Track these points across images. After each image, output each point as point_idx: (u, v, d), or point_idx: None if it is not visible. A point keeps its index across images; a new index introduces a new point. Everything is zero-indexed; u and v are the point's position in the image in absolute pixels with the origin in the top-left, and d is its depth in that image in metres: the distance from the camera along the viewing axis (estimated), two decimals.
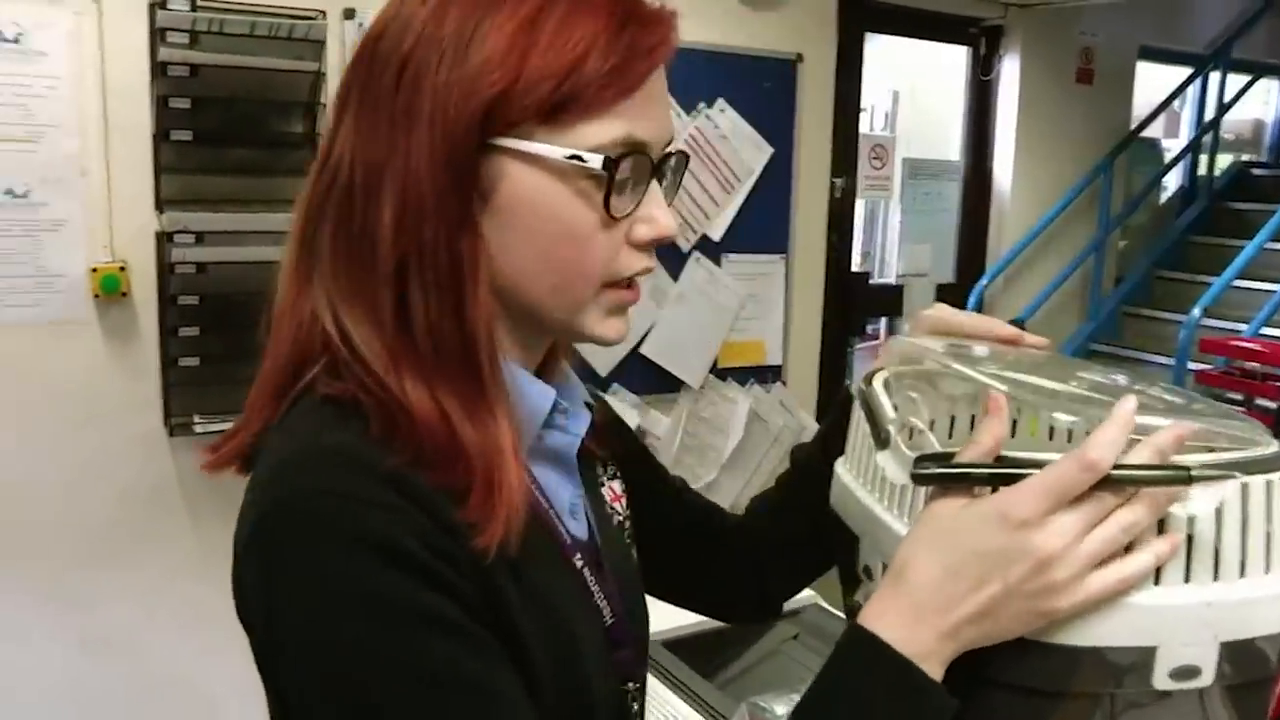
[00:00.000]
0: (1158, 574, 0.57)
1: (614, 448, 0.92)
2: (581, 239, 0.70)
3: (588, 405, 0.84)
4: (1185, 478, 0.57)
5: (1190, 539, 0.58)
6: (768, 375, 3.38)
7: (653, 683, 1.30)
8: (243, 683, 0.85)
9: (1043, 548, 0.60)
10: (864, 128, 4.56)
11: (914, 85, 5.71)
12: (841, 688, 0.67)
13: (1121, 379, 0.74)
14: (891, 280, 5.19)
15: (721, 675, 1.49)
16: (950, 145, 5.33)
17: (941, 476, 0.64)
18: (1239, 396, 3.71)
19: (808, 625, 1.57)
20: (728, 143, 3.14)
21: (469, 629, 0.65)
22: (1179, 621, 0.58)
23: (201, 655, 2.49)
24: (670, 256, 3.11)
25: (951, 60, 5.21)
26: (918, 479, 0.65)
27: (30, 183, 2.34)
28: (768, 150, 3.22)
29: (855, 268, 4.76)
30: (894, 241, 5.27)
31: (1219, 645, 0.57)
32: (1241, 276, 4.41)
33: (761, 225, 3.27)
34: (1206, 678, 0.58)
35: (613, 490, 0.93)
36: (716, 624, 1.49)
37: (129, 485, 2.54)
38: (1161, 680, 0.57)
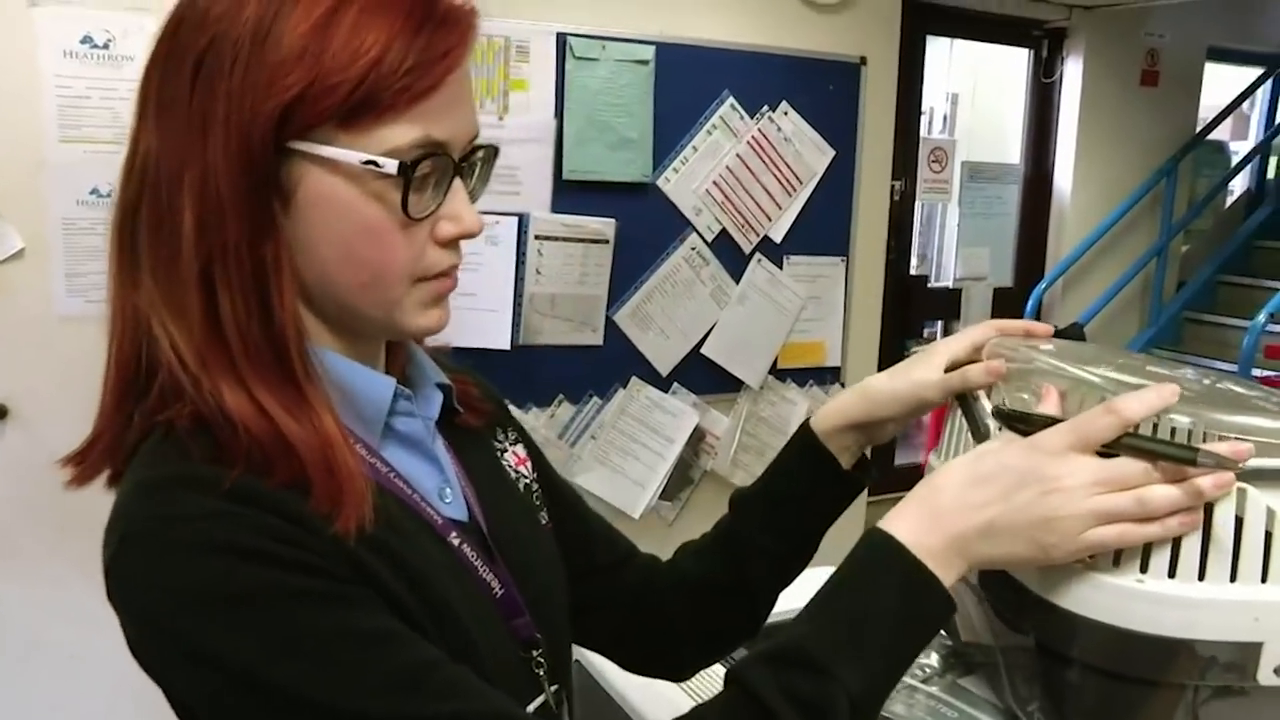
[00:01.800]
0: (1266, 571, 0.57)
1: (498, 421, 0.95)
2: (382, 240, 0.71)
3: (442, 387, 0.85)
4: (1190, 458, 0.60)
5: None
6: (827, 376, 3.39)
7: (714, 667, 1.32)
8: None
9: (1051, 474, 0.66)
10: (922, 131, 4.55)
11: (974, 88, 5.67)
12: (852, 578, 0.73)
13: (1213, 381, 0.76)
14: (949, 284, 5.17)
15: None
16: (1010, 148, 5.29)
17: (1010, 414, 0.72)
18: None
19: None
20: (790, 145, 3.16)
21: (342, 591, 0.66)
22: None
23: None
24: (732, 258, 3.13)
25: (1012, 62, 5.17)
26: (995, 413, 0.72)
27: (114, 182, 2.40)
28: (830, 153, 3.23)
29: (913, 271, 4.76)
30: (951, 245, 5.25)
31: None
32: None
33: (822, 227, 3.27)
34: None
35: (516, 455, 0.95)
36: (789, 614, 1.52)
37: None
38: (1268, 676, 0.57)
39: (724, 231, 3.10)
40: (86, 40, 2.31)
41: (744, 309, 3.16)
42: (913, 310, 4.57)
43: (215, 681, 0.65)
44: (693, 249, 3.06)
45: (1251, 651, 0.57)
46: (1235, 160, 5.80)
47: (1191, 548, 0.59)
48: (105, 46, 2.34)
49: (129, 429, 0.73)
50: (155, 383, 0.71)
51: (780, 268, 3.21)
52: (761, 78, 3.10)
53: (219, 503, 0.65)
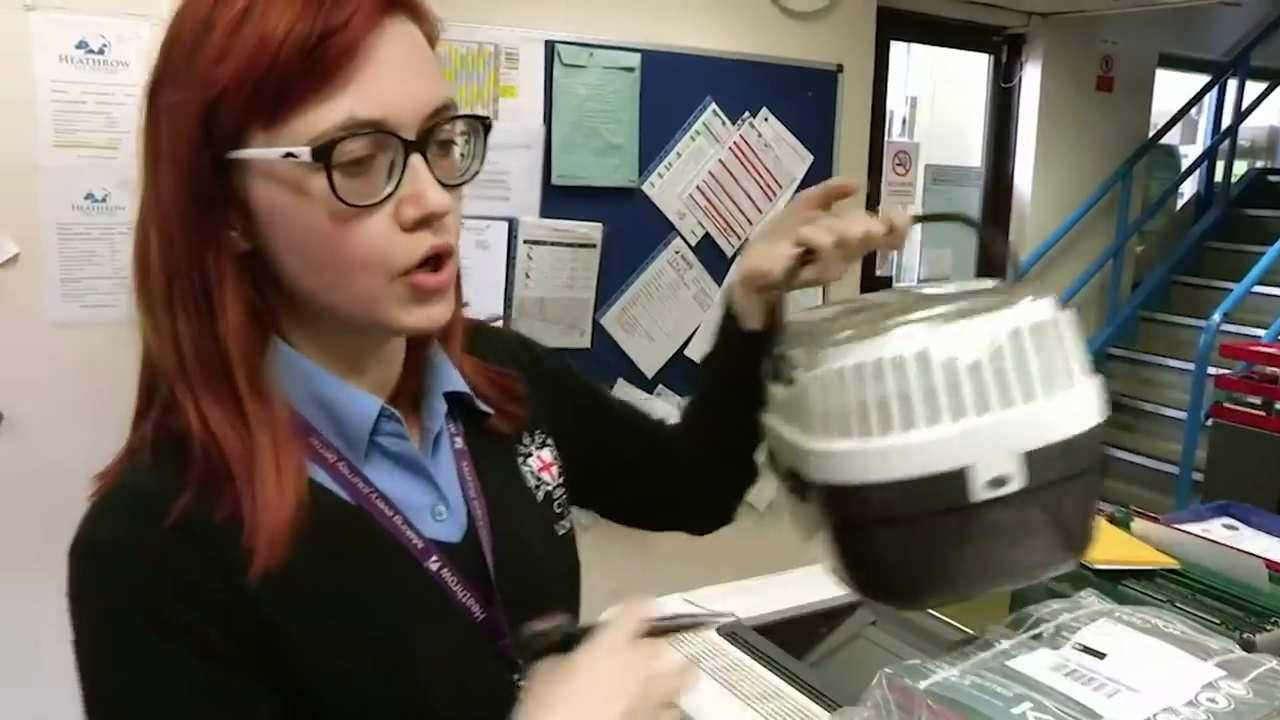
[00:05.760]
0: (960, 409, 0.69)
1: (553, 410, 0.94)
2: (332, 236, 0.68)
3: (453, 396, 0.84)
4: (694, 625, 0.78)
5: (979, 378, 0.69)
6: None
7: (750, 663, 1.34)
8: None
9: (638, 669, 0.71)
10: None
11: (933, 91, 5.78)
12: None
13: (931, 290, 0.87)
14: (913, 284, 5.27)
15: (809, 656, 1.56)
16: (969, 151, 5.40)
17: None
18: (1259, 400, 3.78)
19: (882, 612, 1.63)
20: (770, 151, 3.21)
21: (211, 680, 0.67)
22: (981, 443, 0.69)
23: None
24: (715, 261, 3.18)
25: (971, 67, 5.28)
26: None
27: (108, 187, 2.41)
28: (808, 158, 3.29)
29: (878, 272, 4.84)
30: (914, 246, 5.35)
31: (1020, 455, 0.70)
32: (1259, 282, 4.48)
33: None
34: (1017, 483, 0.69)
35: (541, 460, 0.93)
36: (801, 610, 1.56)
37: None
38: (980, 492, 0.69)
39: (707, 235, 3.15)
40: (82, 45, 2.30)
41: None
42: None
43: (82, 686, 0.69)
44: (677, 252, 3.11)
45: (964, 473, 0.70)
46: (1185, 164, 5.96)
47: (892, 409, 0.70)
48: (101, 52, 2.33)
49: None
50: (159, 397, 0.73)
51: None
52: (743, 85, 3.16)
53: (154, 538, 0.67)
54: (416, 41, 0.71)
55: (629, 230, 3.02)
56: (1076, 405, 0.72)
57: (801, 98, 3.28)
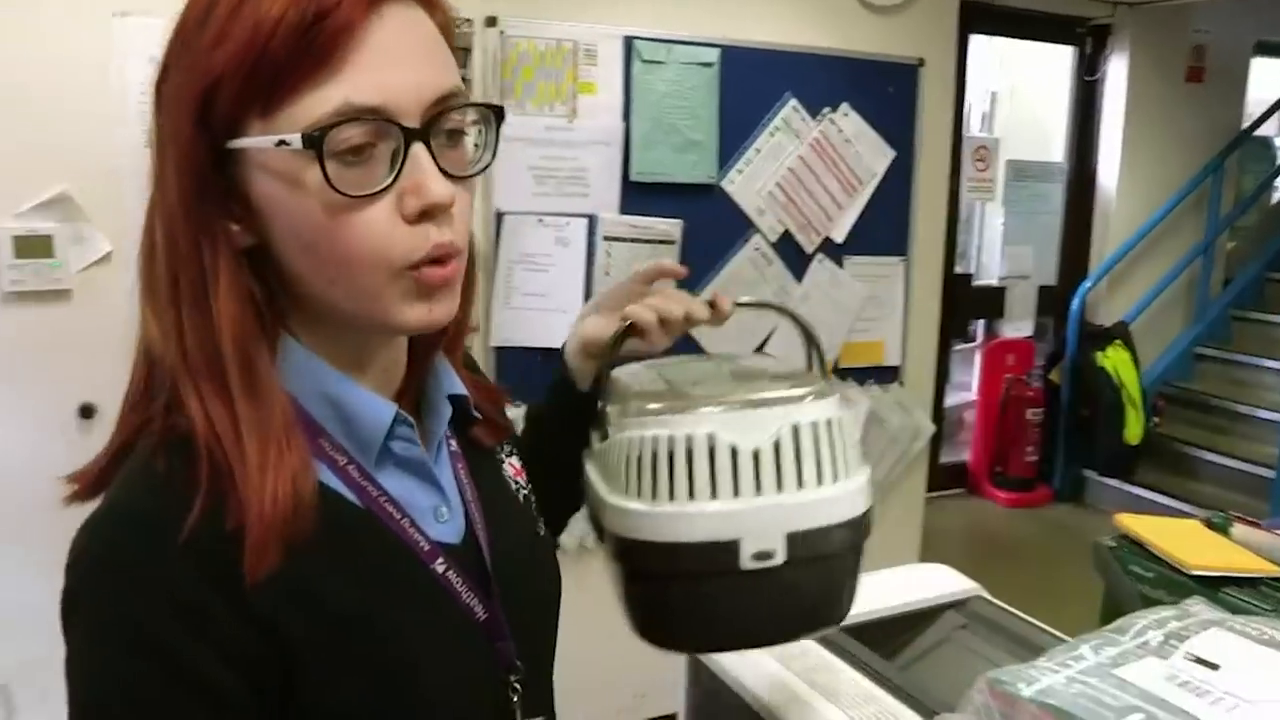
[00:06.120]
0: (738, 488, 0.78)
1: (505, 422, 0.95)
2: (332, 226, 0.66)
3: (455, 399, 0.84)
4: None
5: (758, 464, 0.77)
6: (886, 376, 3.40)
7: (840, 664, 1.33)
8: None
9: None
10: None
11: (1012, 85, 5.67)
12: None
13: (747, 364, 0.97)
14: (994, 282, 5.19)
15: (899, 659, 1.54)
16: (1051, 146, 5.30)
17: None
18: None
19: (973, 615, 1.60)
20: (851, 146, 3.17)
21: (205, 708, 0.66)
22: (753, 521, 0.78)
23: None
24: (794, 258, 3.15)
25: (1053, 59, 5.18)
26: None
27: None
28: (890, 153, 3.25)
29: (956, 269, 4.77)
30: (992, 242, 5.26)
31: (785, 535, 0.78)
32: None
33: (882, 227, 3.29)
34: (779, 558, 0.78)
35: (513, 465, 0.94)
36: (890, 611, 1.55)
37: None
38: (747, 562, 0.78)
39: (787, 232, 3.12)
40: None
41: (805, 309, 3.18)
42: (957, 308, 4.59)
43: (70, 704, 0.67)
44: (756, 249, 3.08)
45: (735, 545, 0.78)
46: None
47: (679, 481, 0.78)
48: None
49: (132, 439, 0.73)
50: (163, 395, 0.71)
51: (841, 267, 3.23)
52: (823, 79, 3.12)
53: (154, 567, 0.65)
54: (421, 26, 0.69)
55: (708, 227, 3.00)
56: (842, 496, 0.81)
57: (882, 92, 3.23)
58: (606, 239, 2.86)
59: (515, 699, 0.81)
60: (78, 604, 0.67)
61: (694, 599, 0.81)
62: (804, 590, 0.82)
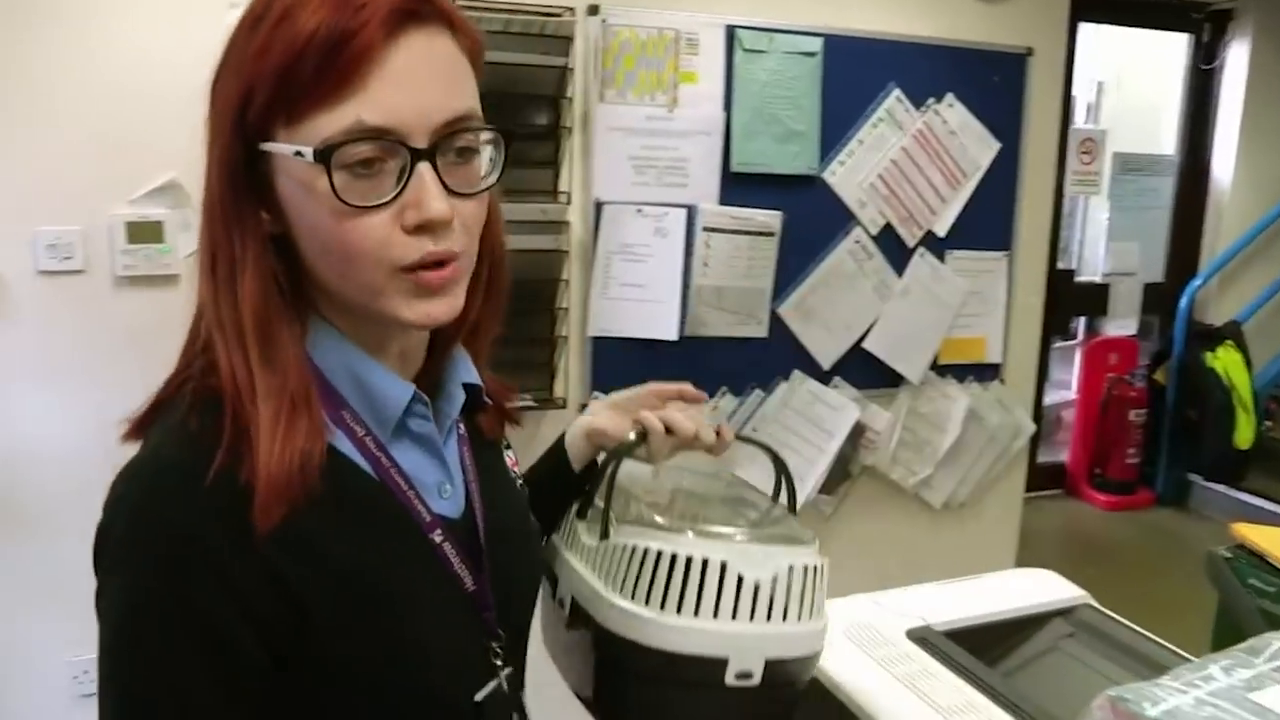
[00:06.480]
0: (735, 613, 0.86)
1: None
2: (338, 229, 0.73)
3: (470, 387, 0.90)
4: None
5: (756, 594, 0.86)
6: (987, 373, 3.33)
7: (942, 670, 1.30)
8: None
9: None
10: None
11: (1119, 75, 5.50)
12: None
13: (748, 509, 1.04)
14: (1097, 278, 5.04)
15: (1002, 666, 1.50)
16: (1160, 138, 5.12)
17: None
18: None
19: (1081, 623, 1.56)
20: (955, 138, 3.10)
21: (220, 661, 0.72)
22: (741, 644, 0.86)
23: None
24: (895, 251, 3.10)
25: (1164, 48, 5.00)
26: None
27: None
28: (994, 145, 3.17)
29: (1059, 265, 4.64)
30: (1096, 238, 5.11)
31: (765, 659, 0.87)
32: None
33: (986, 221, 3.21)
34: (756, 679, 0.87)
35: (510, 457, 1.02)
36: (993, 617, 1.50)
37: None
38: (730, 679, 0.86)
39: (888, 225, 3.07)
40: None
41: (906, 303, 3.12)
42: (1059, 305, 4.47)
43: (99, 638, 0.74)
44: (857, 242, 3.04)
45: (721, 663, 0.86)
46: None
47: (685, 596, 0.86)
48: None
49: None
50: (202, 358, 0.79)
51: (943, 262, 3.17)
52: (927, 69, 3.06)
53: (184, 510, 0.72)
54: (441, 52, 0.74)
55: (808, 219, 2.96)
56: (814, 633, 0.91)
57: (987, 82, 3.15)
58: (706, 230, 2.84)
59: (498, 662, 0.88)
60: (109, 544, 0.74)
61: (672, 703, 0.91)
62: (767, 711, 0.92)
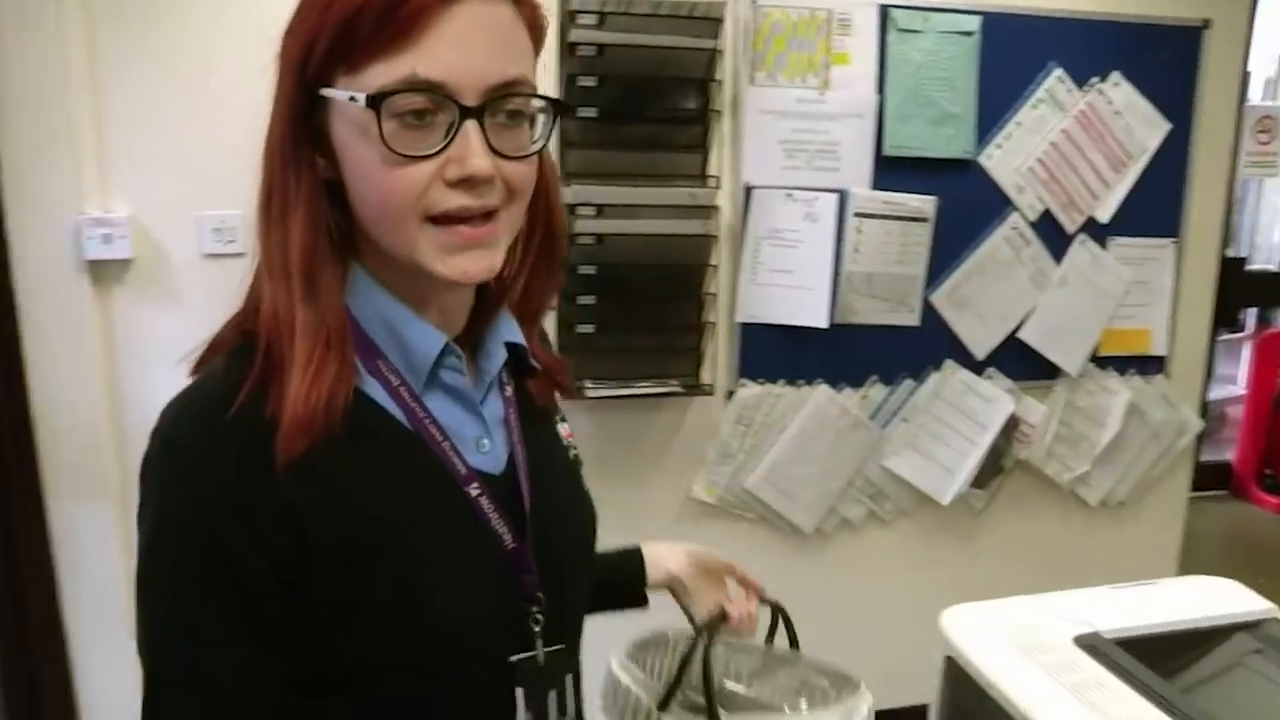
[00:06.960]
0: None
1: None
2: (381, 174, 0.77)
3: (512, 346, 0.93)
4: None
5: None
6: (1150, 366, 3.17)
7: (1114, 681, 1.24)
8: None
9: None
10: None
11: None
12: None
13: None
14: (1271, 267, 4.77)
15: (1179, 679, 1.42)
16: None
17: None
18: None
19: (1269, 639, 1.47)
20: (1120, 119, 2.96)
21: (234, 587, 0.77)
22: None
23: None
24: (1054, 238, 2.98)
25: None
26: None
27: None
28: (1164, 126, 3.01)
29: (1228, 251, 4.40)
30: (1270, 224, 4.84)
31: None
32: None
33: (1153, 207, 3.05)
34: None
35: (566, 429, 1.04)
36: (1170, 627, 1.43)
37: None
38: None
39: (1047, 211, 2.95)
40: None
41: (1064, 293, 3.00)
42: (1228, 295, 4.23)
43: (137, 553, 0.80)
44: (1013, 229, 2.93)
45: None
46: None
47: None
48: None
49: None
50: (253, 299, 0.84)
51: (1104, 249, 3.03)
52: (1091, 47, 2.92)
53: (206, 442, 0.77)
54: (498, 19, 0.77)
55: (963, 204, 2.87)
56: None
57: (1155, 59, 2.99)
58: (857, 215, 2.78)
59: (537, 629, 0.88)
60: (144, 470, 0.80)
61: None
62: None
